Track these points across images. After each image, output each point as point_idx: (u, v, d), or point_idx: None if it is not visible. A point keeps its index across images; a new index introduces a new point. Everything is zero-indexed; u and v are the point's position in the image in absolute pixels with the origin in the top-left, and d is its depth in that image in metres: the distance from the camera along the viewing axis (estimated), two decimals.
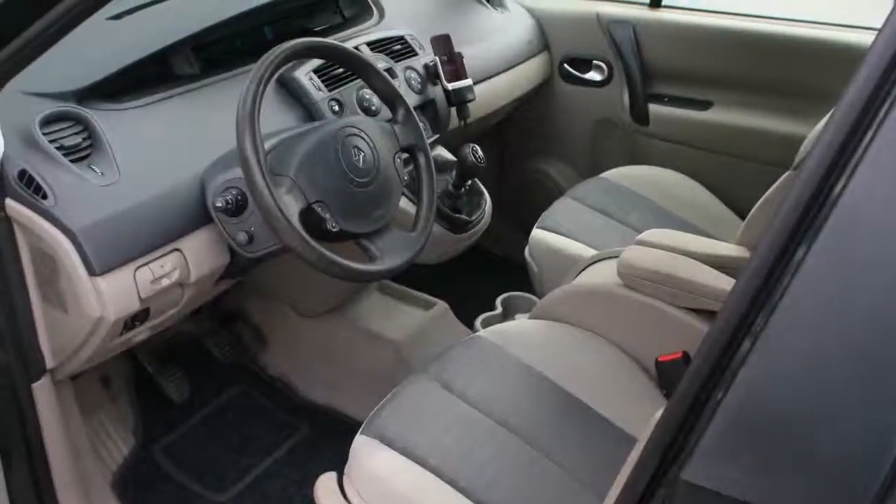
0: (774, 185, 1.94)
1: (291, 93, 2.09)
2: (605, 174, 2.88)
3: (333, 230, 1.73)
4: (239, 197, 1.72)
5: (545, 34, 3.20)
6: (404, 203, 2.14)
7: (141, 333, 1.88)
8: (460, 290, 3.02)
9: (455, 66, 2.45)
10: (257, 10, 2.15)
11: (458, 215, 2.29)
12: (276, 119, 2.00)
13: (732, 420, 0.84)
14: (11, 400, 1.76)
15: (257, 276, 2.65)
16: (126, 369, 2.66)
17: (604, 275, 2.14)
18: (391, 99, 2.01)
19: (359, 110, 2.15)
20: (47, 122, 1.64)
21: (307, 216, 1.70)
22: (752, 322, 0.85)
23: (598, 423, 1.83)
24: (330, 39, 2.01)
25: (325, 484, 1.78)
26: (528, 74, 3.09)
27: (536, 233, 2.60)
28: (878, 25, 0.89)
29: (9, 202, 1.58)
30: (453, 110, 2.49)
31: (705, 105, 2.95)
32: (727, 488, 0.83)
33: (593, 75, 3.16)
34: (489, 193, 2.47)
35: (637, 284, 1.99)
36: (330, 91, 2.12)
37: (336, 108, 2.10)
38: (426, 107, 2.43)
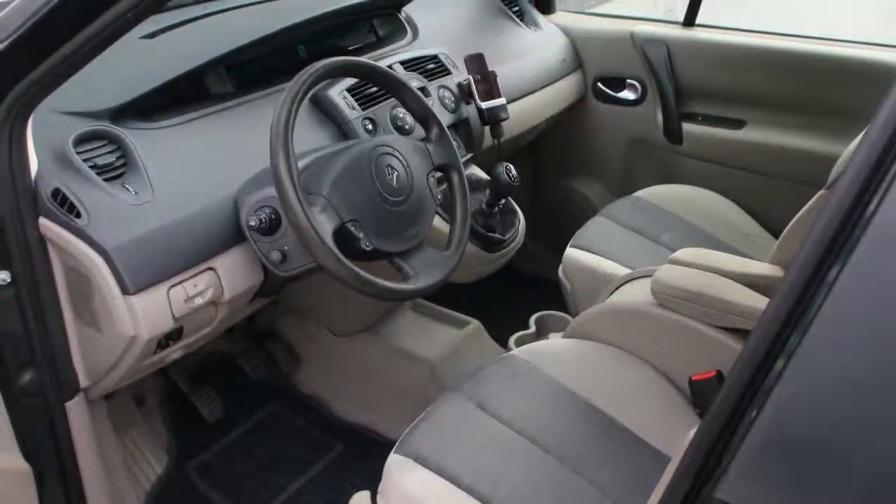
0: (808, 204, 1.92)
1: (325, 111, 2.09)
2: (639, 193, 2.88)
3: (367, 249, 1.73)
4: (272, 216, 1.72)
5: (579, 53, 3.20)
6: (438, 222, 2.14)
7: (175, 352, 1.88)
8: (494, 309, 3.02)
9: (489, 84, 2.46)
10: (291, 29, 2.15)
11: (491, 234, 2.29)
12: (309, 138, 2.00)
13: (766, 439, 0.84)
14: (45, 419, 1.77)
15: (291, 294, 2.66)
16: (160, 388, 2.67)
17: (637, 294, 2.14)
18: (425, 118, 2.01)
19: (392, 129, 2.16)
20: (81, 140, 1.64)
21: (341, 235, 1.69)
22: (785, 341, 0.84)
23: (632, 442, 1.82)
24: (363, 58, 2.02)
25: (359, 503, 1.78)
26: (561, 93, 3.09)
27: (570, 252, 2.59)
28: None
29: (42, 221, 1.58)
30: (487, 129, 2.50)
31: (739, 124, 2.93)
32: None
33: (627, 94, 3.16)
34: (522, 212, 2.47)
35: (671, 303, 1.98)
36: (363, 110, 2.12)
37: (369, 126, 2.11)
38: (460, 126, 2.43)
